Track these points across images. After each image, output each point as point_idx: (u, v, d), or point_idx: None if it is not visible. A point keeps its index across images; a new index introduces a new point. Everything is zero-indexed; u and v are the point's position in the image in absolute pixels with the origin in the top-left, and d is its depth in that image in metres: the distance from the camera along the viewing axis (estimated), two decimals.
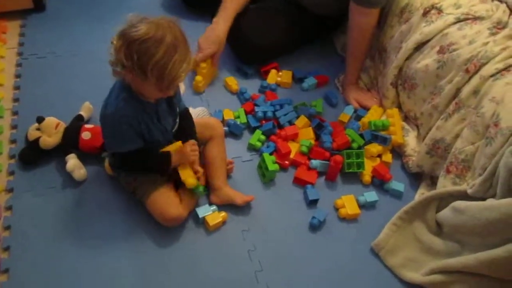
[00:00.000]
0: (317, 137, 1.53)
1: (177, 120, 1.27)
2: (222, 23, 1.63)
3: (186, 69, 1.06)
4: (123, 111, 1.11)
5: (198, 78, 1.62)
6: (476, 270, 1.11)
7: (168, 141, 1.26)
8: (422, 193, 1.42)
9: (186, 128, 1.30)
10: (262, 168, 1.42)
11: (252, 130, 1.54)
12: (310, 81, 1.72)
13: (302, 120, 1.55)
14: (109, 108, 1.13)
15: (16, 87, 1.60)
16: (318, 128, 1.53)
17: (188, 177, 1.23)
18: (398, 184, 1.43)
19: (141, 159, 1.20)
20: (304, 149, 1.46)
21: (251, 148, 1.50)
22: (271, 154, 1.45)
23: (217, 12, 1.66)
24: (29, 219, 1.26)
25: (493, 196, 1.16)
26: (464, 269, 1.13)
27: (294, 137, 1.51)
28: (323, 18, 1.77)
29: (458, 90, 1.34)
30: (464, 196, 1.22)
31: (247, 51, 1.72)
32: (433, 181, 1.44)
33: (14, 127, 1.47)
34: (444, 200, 1.27)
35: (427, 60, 1.43)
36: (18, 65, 1.68)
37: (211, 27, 1.64)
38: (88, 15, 1.90)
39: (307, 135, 1.52)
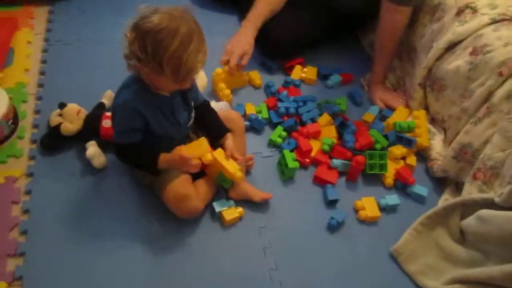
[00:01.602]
0: (340, 136, 1.50)
1: (192, 114, 1.25)
2: (252, 27, 1.59)
3: (202, 60, 1.04)
4: (132, 102, 1.10)
5: (221, 85, 1.56)
6: (500, 282, 1.07)
7: (184, 136, 1.25)
8: (446, 199, 1.37)
9: (213, 121, 1.29)
10: (282, 165, 1.39)
11: (273, 126, 1.52)
12: (335, 79, 1.69)
13: (325, 118, 1.52)
14: (119, 99, 1.13)
15: (41, 73, 1.61)
16: (341, 127, 1.50)
17: (236, 170, 1.21)
18: (421, 188, 1.39)
19: (135, 155, 1.19)
20: (326, 147, 1.43)
21: (272, 144, 1.47)
22: (291, 151, 1.42)
23: (248, 14, 1.62)
24: (48, 204, 1.27)
25: None
26: (487, 281, 1.09)
27: (316, 135, 1.48)
28: (349, 15, 1.73)
29: (490, 94, 1.28)
30: (490, 204, 1.17)
31: (270, 45, 1.69)
32: (458, 187, 1.39)
33: (37, 112, 1.48)
34: (469, 207, 1.23)
35: (458, 62, 1.37)
36: (44, 51, 1.70)
37: (242, 31, 1.60)
38: (114, 4, 1.90)
39: (329, 134, 1.49)
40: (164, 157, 1.17)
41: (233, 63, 1.53)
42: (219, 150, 1.23)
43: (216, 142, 1.26)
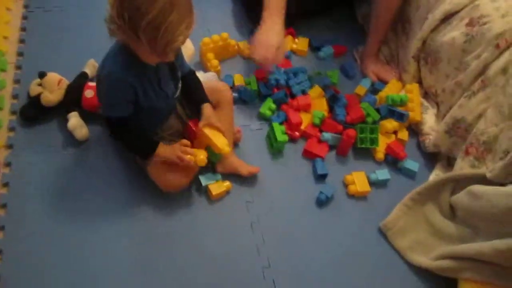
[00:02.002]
0: (331, 109, 1.46)
1: (179, 85, 1.20)
2: (278, 19, 1.42)
3: (185, 33, 0.96)
4: (119, 73, 1.04)
5: (209, 55, 1.48)
6: (490, 258, 1.05)
7: (171, 108, 1.21)
8: (437, 174, 1.35)
9: (194, 91, 1.24)
10: (270, 138, 1.36)
11: (263, 98, 1.47)
12: (327, 51, 1.64)
13: (315, 91, 1.48)
14: (104, 70, 1.07)
15: (21, 41, 1.55)
16: (332, 100, 1.46)
17: (224, 145, 1.17)
18: (412, 163, 1.37)
19: (131, 135, 1.14)
20: (316, 120, 1.40)
21: (261, 117, 1.43)
22: (281, 124, 1.39)
23: (263, 7, 1.42)
24: (28, 177, 1.23)
25: None
26: (476, 257, 1.07)
27: (306, 108, 1.44)
28: None
29: (485, 67, 1.25)
30: (482, 180, 1.16)
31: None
32: (449, 163, 1.37)
33: (16, 81, 1.43)
34: (460, 183, 1.21)
35: (454, 33, 1.33)
36: (24, 17, 1.62)
37: (269, 26, 1.41)
38: None
39: (320, 107, 1.45)
40: (162, 150, 1.14)
41: (269, 67, 1.45)
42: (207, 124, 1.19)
43: (197, 111, 1.21)
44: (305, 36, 1.67)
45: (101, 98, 1.14)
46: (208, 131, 1.18)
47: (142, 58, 1.05)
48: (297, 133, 1.39)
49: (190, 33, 0.98)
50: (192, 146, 1.20)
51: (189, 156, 1.14)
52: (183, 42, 0.99)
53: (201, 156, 1.15)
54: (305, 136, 1.40)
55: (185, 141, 1.16)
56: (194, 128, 1.19)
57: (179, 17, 0.93)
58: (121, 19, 0.93)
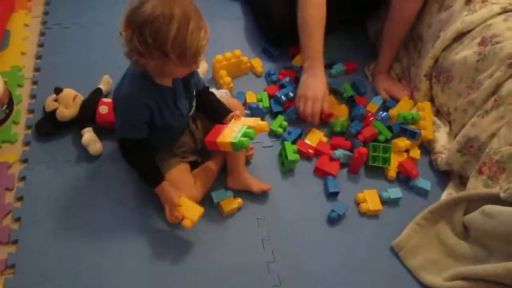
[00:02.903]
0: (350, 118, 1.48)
1: (194, 104, 1.22)
2: (320, 68, 1.44)
3: (206, 37, 1.00)
4: (137, 94, 1.07)
5: (222, 72, 1.49)
6: (504, 280, 1.04)
7: (184, 126, 1.22)
8: (449, 193, 1.34)
9: (217, 105, 1.25)
10: (282, 156, 1.36)
11: (274, 114, 1.48)
12: (338, 68, 1.65)
13: (331, 99, 1.50)
14: (122, 91, 1.09)
15: (38, 57, 1.58)
16: (351, 103, 1.49)
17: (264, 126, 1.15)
18: (424, 182, 1.36)
19: (141, 162, 1.16)
20: (338, 128, 1.42)
21: (273, 134, 1.44)
22: (293, 142, 1.39)
23: (306, 51, 1.44)
24: (42, 191, 1.24)
25: None
26: (490, 278, 1.06)
27: (327, 118, 1.45)
28: (355, 3, 1.68)
29: (498, 86, 1.25)
30: (495, 200, 1.15)
31: (274, 33, 1.64)
32: (462, 181, 1.36)
33: (33, 97, 1.45)
34: (474, 202, 1.20)
35: (466, 52, 1.33)
36: (42, 34, 1.66)
37: (312, 78, 1.43)
38: None
39: (340, 111, 1.46)
40: (164, 186, 1.14)
41: (316, 122, 1.44)
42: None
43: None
44: None
45: (117, 119, 1.14)
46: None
47: (169, 75, 1.07)
48: (310, 151, 1.39)
49: (209, 36, 1.02)
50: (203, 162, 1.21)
51: (179, 212, 1.14)
52: (206, 46, 1.01)
53: (188, 221, 1.12)
54: (317, 153, 1.40)
55: (181, 200, 1.14)
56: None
57: (196, 24, 0.97)
58: (146, 46, 0.96)
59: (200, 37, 0.98)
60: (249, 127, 1.14)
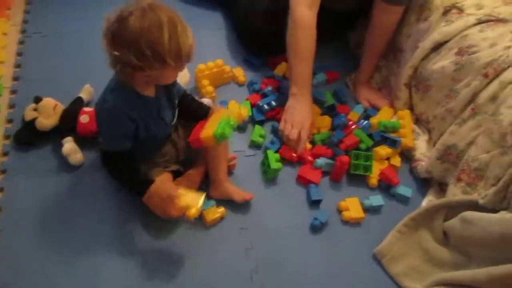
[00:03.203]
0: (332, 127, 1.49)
1: (176, 113, 1.22)
2: (306, 96, 1.43)
3: (191, 34, 1.02)
4: (122, 107, 1.07)
5: (204, 82, 1.50)
6: (485, 285, 1.05)
7: (166, 136, 1.22)
8: (430, 200, 1.36)
9: (193, 106, 1.27)
10: (265, 165, 1.37)
11: (258, 123, 1.49)
12: (320, 77, 1.66)
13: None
14: (107, 104, 1.08)
15: (17, 65, 1.56)
16: (331, 111, 1.51)
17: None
18: (405, 189, 1.38)
19: (123, 174, 1.15)
20: (319, 143, 1.44)
21: (253, 144, 1.44)
22: (276, 151, 1.40)
23: (294, 79, 1.43)
24: (21, 202, 1.22)
25: (506, 208, 1.11)
26: (471, 283, 1.07)
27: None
28: (338, 16, 1.71)
29: (475, 95, 1.28)
30: (474, 206, 1.17)
31: (253, 42, 1.65)
32: (442, 188, 1.38)
33: (11, 106, 1.43)
34: (453, 209, 1.22)
35: (443, 62, 1.36)
36: (21, 42, 1.64)
37: (298, 105, 1.41)
38: None
39: (322, 123, 1.48)
40: (156, 186, 1.12)
41: (302, 150, 1.41)
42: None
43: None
44: None
45: (101, 131, 1.14)
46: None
47: (163, 81, 1.08)
48: (294, 154, 1.40)
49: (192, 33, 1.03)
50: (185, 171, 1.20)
51: (180, 203, 1.10)
52: (194, 45, 1.03)
53: (193, 210, 1.09)
54: (299, 159, 1.41)
55: (180, 192, 1.11)
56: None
57: (182, 26, 1.00)
58: (145, 59, 0.96)
59: (189, 36, 1.00)
60: (229, 118, 1.15)
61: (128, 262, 1.15)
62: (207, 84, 1.51)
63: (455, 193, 1.26)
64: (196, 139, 1.15)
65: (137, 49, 0.96)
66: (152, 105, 1.12)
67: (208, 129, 1.14)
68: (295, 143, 1.40)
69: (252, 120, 1.50)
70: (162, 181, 1.15)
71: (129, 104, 1.07)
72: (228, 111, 1.18)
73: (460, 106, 1.32)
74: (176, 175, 1.25)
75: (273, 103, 1.50)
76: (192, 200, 1.10)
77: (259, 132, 1.44)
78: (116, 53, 0.97)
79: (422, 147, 1.45)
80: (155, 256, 1.17)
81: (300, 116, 1.40)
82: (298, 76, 1.43)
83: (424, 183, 1.43)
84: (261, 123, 1.49)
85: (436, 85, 1.40)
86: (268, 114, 1.50)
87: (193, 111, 1.26)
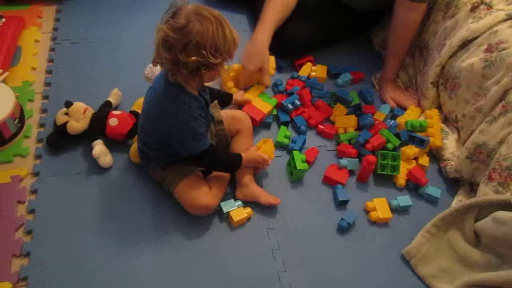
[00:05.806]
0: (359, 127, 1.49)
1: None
2: (263, 37, 1.50)
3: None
4: (189, 110, 1.10)
5: (229, 84, 1.53)
6: None
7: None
8: (459, 200, 1.33)
9: (212, 92, 1.32)
10: (290, 166, 1.37)
11: (283, 124, 1.49)
12: (345, 77, 1.66)
13: (338, 108, 1.50)
14: (177, 116, 1.10)
15: (48, 72, 1.60)
16: (356, 111, 1.51)
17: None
18: (434, 189, 1.35)
19: (218, 161, 1.23)
20: (346, 142, 1.44)
21: (279, 145, 1.45)
22: (300, 150, 1.39)
23: (257, 24, 1.53)
24: (53, 204, 1.25)
25: None
26: (504, 285, 1.05)
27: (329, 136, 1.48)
28: (361, 14, 1.70)
29: (505, 92, 1.25)
30: (507, 206, 1.14)
31: (281, 44, 1.65)
32: (472, 188, 1.35)
33: (43, 111, 1.47)
34: (484, 209, 1.19)
35: (472, 59, 1.34)
36: (52, 49, 1.69)
37: (252, 44, 1.49)
38: (121, 2, 1.88)
39: (348, 122, 1.47)
40: (246, 158, 1.24)
41: (244, 79, 1.52)
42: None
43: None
44: (324, 64, 1.69)
45: (186, 142, 1.14)
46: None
47: (214, 78, 1.13)
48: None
49: None
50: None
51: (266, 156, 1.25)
52: None
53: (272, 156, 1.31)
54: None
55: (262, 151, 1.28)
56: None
57: (227, 21, 1.05)
58: (219, 54, 1.02)
59: (234, 31, 1.06)
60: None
61: (156, 261, 1.17)
62: (231, 86, 1.52)
63: (486, 192, 1.24)
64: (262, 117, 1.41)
65: (213, 48, 1.01)
66: (203, 103, 1.15)
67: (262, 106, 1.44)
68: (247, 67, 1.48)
69: (277, 121, 1.50)
70: (247, 153, 1.25)
71: (193, 106, 1.11)
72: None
73: (490, 104, 1.29)
74: (205, 174, 1.26)
75: (297, 101, 1.50)
76: (266, 151, 1.30)
77: (284, 133, 1.44)
78: (193, 58, 1.00)
79: (451, 147, 1.43)
80: (182, 256, 1.18)
81: (243, 59, 1.49)
82: (261, 21, 1.53)
83: (453, 183, 1.40)
84: (286, 124, 1.49)
85: (465, 83, 1.37)
86: (292, 114, 1.50)
87: (215, 94, 1.34)
